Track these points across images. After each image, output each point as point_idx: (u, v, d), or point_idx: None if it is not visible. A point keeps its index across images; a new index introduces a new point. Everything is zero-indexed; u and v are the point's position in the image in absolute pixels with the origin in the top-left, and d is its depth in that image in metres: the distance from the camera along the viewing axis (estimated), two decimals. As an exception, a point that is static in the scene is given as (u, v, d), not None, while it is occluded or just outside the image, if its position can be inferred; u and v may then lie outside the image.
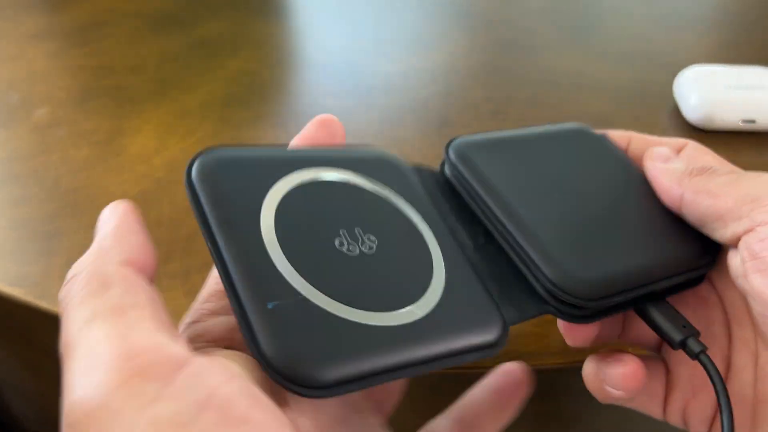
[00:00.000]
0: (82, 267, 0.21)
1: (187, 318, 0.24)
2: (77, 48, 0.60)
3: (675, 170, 0.28)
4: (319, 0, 0.68)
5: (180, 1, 0.66)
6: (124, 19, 0.63)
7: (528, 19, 0.64)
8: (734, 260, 0.25)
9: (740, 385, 0.27)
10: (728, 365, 0.27)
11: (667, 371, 0.29)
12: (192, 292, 0.38)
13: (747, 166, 0.47)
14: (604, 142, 0.33)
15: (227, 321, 0.23)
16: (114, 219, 0.23)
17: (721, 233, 0.26)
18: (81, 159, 0.48)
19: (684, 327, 0.26)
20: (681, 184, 0.28)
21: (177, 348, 0.19)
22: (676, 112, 0.52)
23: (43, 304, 0.38)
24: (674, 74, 0.53)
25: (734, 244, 0.25)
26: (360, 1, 0.67)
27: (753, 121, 0.49)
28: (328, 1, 0.67)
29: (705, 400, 0.28)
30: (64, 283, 0.21)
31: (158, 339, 0.19)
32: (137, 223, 0.22)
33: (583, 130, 0.34)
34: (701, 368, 0.27)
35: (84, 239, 0.41)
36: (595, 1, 0.68)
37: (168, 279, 0.39)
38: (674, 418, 0.28)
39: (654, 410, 0.28)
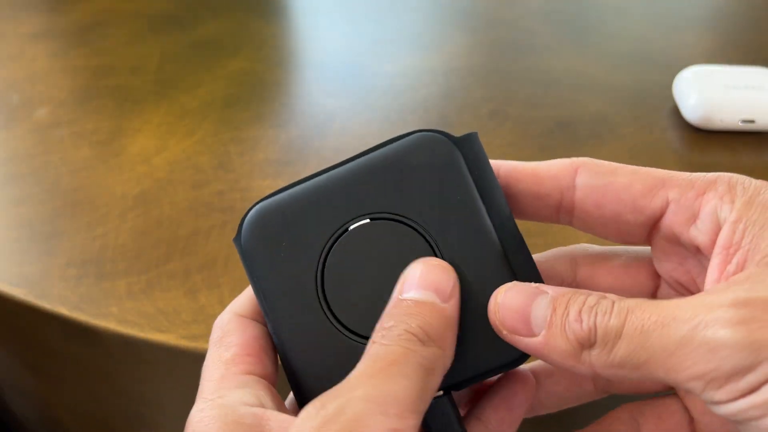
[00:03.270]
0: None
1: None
2: (77, 48, 0.60)
3: (557, 347, 0.21)
4: (319, 0, 0.68)
5: (180, 1, 0.66)
6: (125, 19, 0.64)
7: (528, 20, 0.64)
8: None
9: None
10: None
11: (690, 420, 0.25)
12: (192, 292, 0.39)
13: (747, 166, 0.48)
14: (445, 163, 0.24)
15: None
16: (455, 303, 0.23)
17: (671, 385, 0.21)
18: (81, 159, 0.48)
19: None
20: (582, 363, 0.21)
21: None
22: (676, 112, 0.52)
23: (44, 304, 0.38)
24: (674, 74, 0.53)
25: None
26: (360, 1, 0.67)
27: (752, 121, 0.49)
28: (328, 1, 0.67)
29: None
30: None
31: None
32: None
33: (427, 145, 0.25)
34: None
35: (84, 239, 0.42)
36: (595, 1, 0.68)
37: (167, 279, 0.39)
38: None
39: None
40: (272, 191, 0.25)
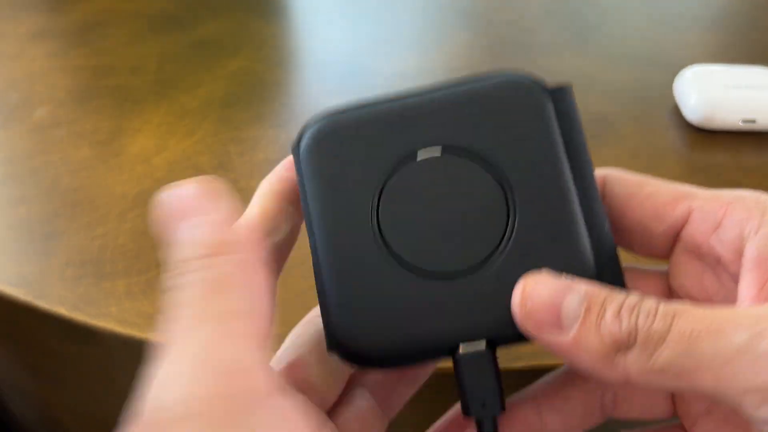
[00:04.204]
0: (202, 251, 0.19)
1: (288, 350, 0.23)
2: (77, 48, 0.60)
3: (588, 347, 0.19)
4: (319, 0, 0.68)
5: (180, 1, 0.66)
6: (124, 19, 0.63)
7: (528, 19, 0.64)
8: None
9: None
10: None
11: None
12: (192, 292, 0.38)
13: (748, 166, 0.48)
14: (532, 113, 0.23)
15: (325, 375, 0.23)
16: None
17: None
18: (81, 159, 0.48)
19: (483, 406, 0.22)
20: (615, 368, 0.19)
21: (265, 376, 0.18)
22: (676, 112, 0.52)
23: (43, 304, 0.38)
24: (674, 74, 0.53)
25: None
26: (360, 1, 0.67)
27: (753, 121, 0.49)
28: (328, 1, 0.67)
29: None
30: (178, 261, 0.19)
31: (252, 360, 0.18)
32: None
33: (517, 87, 0.23)
34: None
35: (84, 239, 0.42)
36: (595, 1, 0.68)
37: (168, 279, 0.39)
38: None
39: None
40: (338, 107, 0.24)
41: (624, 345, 0.19)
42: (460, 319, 0.22)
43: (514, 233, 0.22)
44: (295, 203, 0.25)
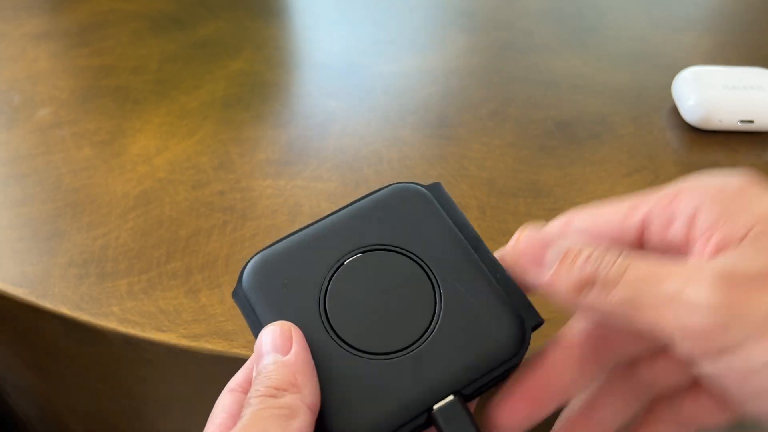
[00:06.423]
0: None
1: None
2: (78, 48, 0.60)
3: (562, 282, 0.24)
4: (320, 1, 0.68)
5: (180, 2, 0.66)
6: (125, 19, 0.64)
7: (527, 20, 0.64)
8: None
9: None
10: None
11: None
12: (192, 292, 0.39)
13: (745, 166, 0.48)
14: (425, 212, 0.29)
15: None
16: (297, 349, 0.25)
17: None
18: (82, 159, 0.48)
19: None
20: (582, 300, 0.24)
21: None
22: (675, 112, 0.52)
23: (45, 303, 0.39)
24: (673, 75, 0.53)
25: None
26: (360, 1, 0.67)
27: (751, 122, 0.49)
28: (329, 2, 0.67)
29: None
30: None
31: None
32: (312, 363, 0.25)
33: (403, 192, 0.29)
34: None
35: (85, 239, 0.42)
36: (594, 2, 0.68)
37: (168, 279, 0.40)
38: None
39: None
40: (269, 244, 0.28)
41: (589, 283, 0.23)
42: (426, 384, 0.25)
43: (443, 302, 0.26)
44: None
